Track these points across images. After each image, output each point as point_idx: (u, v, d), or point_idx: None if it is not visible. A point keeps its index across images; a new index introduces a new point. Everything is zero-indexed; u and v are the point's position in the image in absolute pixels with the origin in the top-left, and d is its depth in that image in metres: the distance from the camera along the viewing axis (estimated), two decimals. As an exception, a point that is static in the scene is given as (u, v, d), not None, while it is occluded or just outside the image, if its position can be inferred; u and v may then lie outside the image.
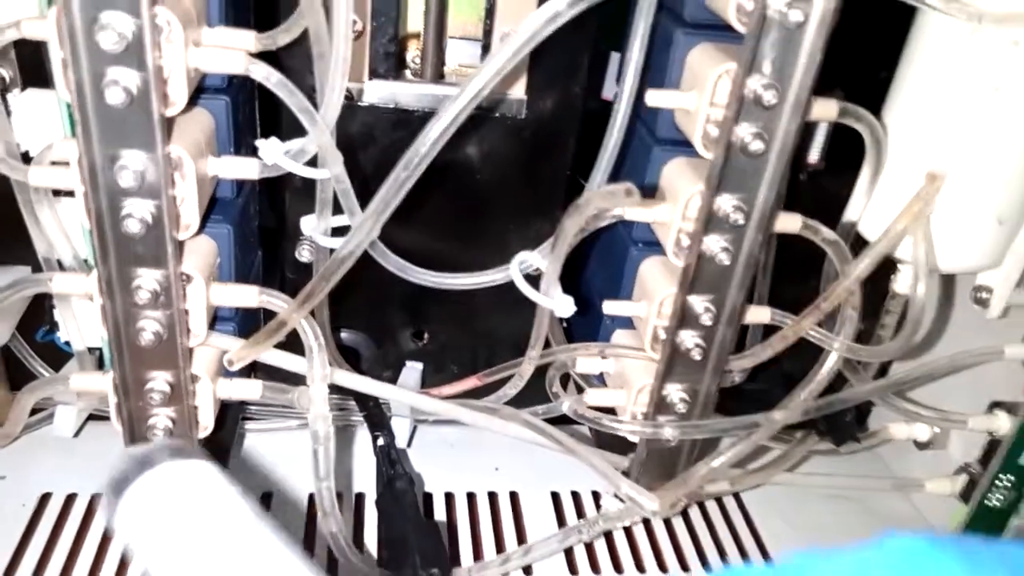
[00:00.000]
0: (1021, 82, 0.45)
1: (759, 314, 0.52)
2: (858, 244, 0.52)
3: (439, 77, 0.55)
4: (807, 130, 0.54)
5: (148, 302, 0.43)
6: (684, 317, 0.48)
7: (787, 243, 0.51)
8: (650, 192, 0.49)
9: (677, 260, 0.47)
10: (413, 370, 0.62)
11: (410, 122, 0.54)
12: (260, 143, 0.44)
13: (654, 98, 0.45)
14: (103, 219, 0.40)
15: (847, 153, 0.51)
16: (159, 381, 0.46)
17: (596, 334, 0.57)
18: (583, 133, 0.56)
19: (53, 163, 0.44)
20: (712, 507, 0.63)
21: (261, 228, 0.56)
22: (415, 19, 0.54)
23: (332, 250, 0.47)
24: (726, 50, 0.44)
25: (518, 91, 0.54)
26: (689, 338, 0.49)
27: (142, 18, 0.36)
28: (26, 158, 0.46)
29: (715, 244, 0.46)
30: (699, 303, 0.48)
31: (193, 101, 0.44)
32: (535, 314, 0.52)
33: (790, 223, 0.48)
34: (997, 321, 0.56)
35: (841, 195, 0.53)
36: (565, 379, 0.58)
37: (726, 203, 0.44)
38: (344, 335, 0.61)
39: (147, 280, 0.42)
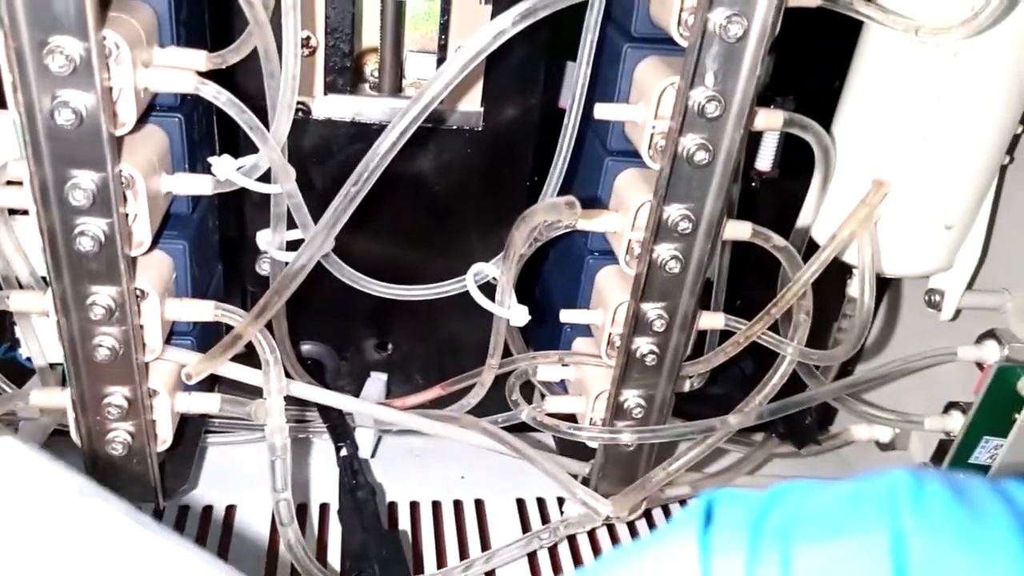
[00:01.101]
0: (962, 92, 0.46)
1: (713, 320, 0.53)
2: (812, 249, 0.53)
3: (397, 90, 0.55)
4: (757, 139, 0.55)
5: (103, 318, 0.43)
6: (638, 324, 0.49)
7: (753, 249, 0.52)
8: (603, 205, 0.50)
9: (629, 269, 0.48)
10: (377, 380, 0.63)
11: (370, 135, 0.54)
12: (213, 160, 0.44)
13: (603, 111, 0.46)
14: (56, 237, 0.41)
15: (801, 160, 0.52)
16: (116, 396, 0.46)
17: (557, 342, 0.58)
18: (542, 140, 0.57)
19: (8, 183, 0.44)
20: (676, 510, 0.64)
21: (223, 241, 0.57)
22: (371, 33, 0.55)
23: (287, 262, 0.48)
24: (671, 63, 0.45)
25: (474, 104, 0.55)
26: (644, 344, 0.50)
27: (90, 41, 0.36)
28: (-18, 177, 0.46)
29: (665, 252, 0.47)
30: (652, 310, 0.49)
31: (146, 119, 0.45)
32: (494, 323, 0.52)
33: (740, 231, 0.49)
34: (950, 323, 0.57)
35: (795, 201, 0.54)
36: (529, 386, 0.58)
37: (674, 212, 0.45)
38: (306, 347, 0.61)
39: (101, 297, 0.43)
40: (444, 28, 0.53)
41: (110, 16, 0.39)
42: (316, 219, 0.46)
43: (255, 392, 0.50)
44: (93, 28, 0.36)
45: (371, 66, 0.56)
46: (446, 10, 0.52)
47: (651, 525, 0.62)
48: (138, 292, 0.44)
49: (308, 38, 0.51)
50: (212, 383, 0.55)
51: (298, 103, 0.45)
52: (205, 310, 0.47)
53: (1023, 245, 0.55)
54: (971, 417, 0.52)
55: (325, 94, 0.53)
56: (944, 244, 0.52)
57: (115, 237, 0.41)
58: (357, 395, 0.62)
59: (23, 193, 0.42)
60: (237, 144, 0.53)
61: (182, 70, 0.42)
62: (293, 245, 0.49)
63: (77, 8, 0.36)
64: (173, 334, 0.49)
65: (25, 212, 0.46)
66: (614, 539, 0.60)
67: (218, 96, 0.41)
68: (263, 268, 0.56)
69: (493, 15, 0.51)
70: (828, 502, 0.23)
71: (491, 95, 0.54)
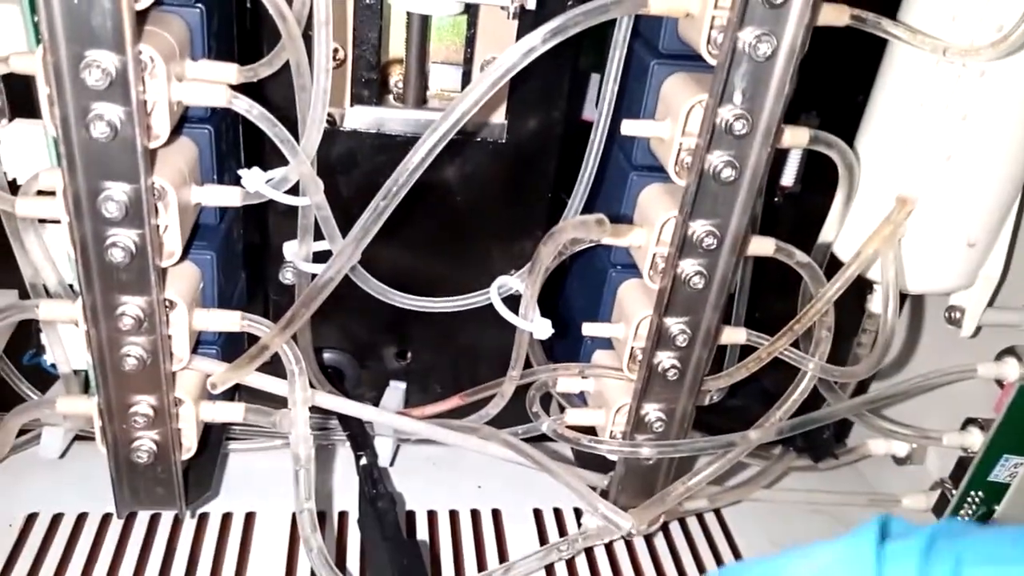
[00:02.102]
0: (988, 111, 0.46)
1: (735, 335, 0.53)
2: (834, 265, 0.53)
3: (421, 102, 0.56)
4: (781, 155, 0.55)
5: (132, 328, 0.44)
6: (660, 338, 0.49)
7: (770, 261, 0.52)
8: (627, 219, 0.50)
9: (653, 283, 0.48)
10: (396, 389, 0.63)
11: (393, 146, 0.55)
12: (243, 172, 0.44)
13: (629, 127, 0.46)
14: (88, 248, 0.41)
15: (823, 175, 0.52)
16: (143, 405, 0.47)
17: (577, 354, 0.58)
18: (565, 152, 0.57)
19: (39, 192, 0.44)
20: (693, 523, 0.64)
21: (246, 248, 0.57)
22: (397, 45, 0.55)
23: (314, 274, 0.48)
24: (699, 80, 0.45)
25: (499, 116, 0.55)
26: (666, 359, 0.50)
27: (126, 55, 0.37)
28: (13, 186, 0.47)
29: (689, 268, 0.47)
30: (675, 325, 0.49)
31: (177, 131, 0.45)
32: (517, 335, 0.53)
33: (764, 246, 0.49)
34: (971, 340, 0.57)
35: (817, 216, 0.54)
36: (548, 398, 0.59)
37: (699, 228, 0.45)
38: (328, 355, 0.62)
39: (131, 307, 0.43)
40: (470, 41, 0.53)
41: (145, 30, 0.39)
42: (341, 229, 0.47)
43: (275, 400, 0.50)
44: (130, 43, 0.37)
45: (395, 77, 0.56)
46: (472, 23, 0.52)
47: (668, 538, 0.62)
48: (167, 302, 0.44)
49: (336, 50, 0.51)
50: (233, 391, 0.55)
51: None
52: (232, 320, 0.47)
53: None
54: (991, 435, 0.52)
55: (351, 105, 0.53)
56: (966, 262, 0.52)
57: (146, 248, 0.41)
58: (376, 403, 0.62)
59: (54, 203, 0.42)
60: (261, 153, 0.53)
61: (215, 84, 0.42)
62: (319, 256, 0.50)
63: (114, 23, 0.36)
64: (199, 343, 0.49)
65: (55, 220, 0.46)
66: (631, 551, 0.60)
67: (251, 110, 0.42)
68: (286, 277, 0.57)
69: (519, 29, 0.51)
70: (996, 537, 0.25)
71: (515, 107, 0.55)
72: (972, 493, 0.54)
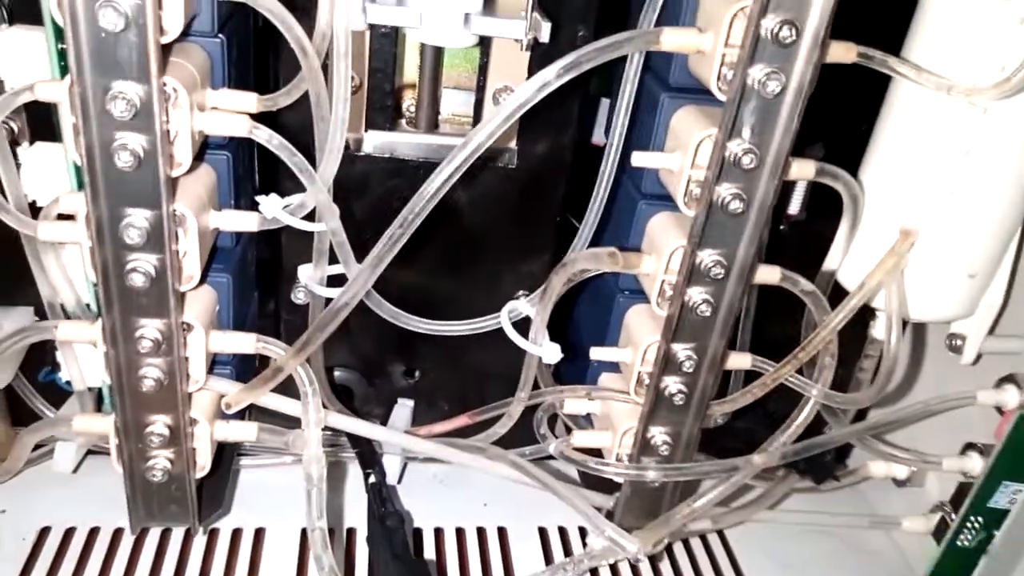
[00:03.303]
0: (991, 147, 0.47)
1: (740, 360, 0.54)
2: (837, 292, 0.54)
3: (433, 127, 0.57)
4: (787, 185, 0.56)
5: (150, 350, 0.44)
6: (667, 364, 0.50)
7: (773, 286, 0.53)
8: (635, 246, 0.51)
9: (661, 310, 0.49)
10: (404, 407, 0.64)
11: (405, 170, 0.56)
12: (261, 199, 0.45)
13: (640, 159, 0.47)
14: (109, 273, 0.42)
15: (827, 204, 0.53)
16: (159, 424, 0.48)
17: (584, 376, 0.59)
18: (573, 176, 0.58)
19: (59, 215, 0.45)
20: (696, 544, 0.65)
21: (258, 267, 0.58)
22: (410, 70, 0.56)
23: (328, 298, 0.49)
24: (708, 113, 0.46)
25: (510, 141, 0.56)
26: (672, 384, 0.51)
27: (151, 86, 0.38)
28: (33, 208, 0.48)
29: (697, 296, 0.48)
30: (682, 351, 0.50)
31: (197, 157, 0.46)
32: (524, 353, 0.53)
33: (769, 275, 0.50)
34: (971, 367, 0.58)
35: (822, 244, 0.55)
36: (553, 418, 0.60)
37: (707, 257, 0.46)
38: (337, 374, 0.63)
39: (150, 330, 0.44)
40: (483, 69, 0.54)
41: (169, 61, 0.40)
42: (353, 251, 0.48)
43: (285, 417, 0.51)
44: (155, 75, 0.37)
45: (407, 101, 0.57)
46: (485, 53, 0.53)
47: (672, 559, 0.63)
48: (184, 325, 0.45)
49: (352, 77, 0.52)
50: (245, 410, 0.56)
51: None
52: (247, 343, 0.48)
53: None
54: (991, 462, 0.53)
55: (365, 131, 0.54)
56: (967, 292, 0.53)
57: (166, 273, 0.42)
58: (384, 420, 0.63)
59: (75, 227, 0.43)
60: (275, 176, 0.54)
61: (235, 114, 0.43)
62: (332, 279, 0.51)
63: (140, 56, 0.37)
64: (214, 363, 0.50)
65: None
66: (635, 571, 0.61)
67: (271, 140, 0.43)
68: (298, 297, 0.58)
69: (531, 58, 0.52)
70: None
71: (526, 133, 0.56)
72: (972, 519, 0.55)
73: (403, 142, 0.56)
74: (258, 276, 0.58)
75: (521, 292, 0.60)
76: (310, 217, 0.47)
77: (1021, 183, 0.49)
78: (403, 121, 0.57)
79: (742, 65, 0.41)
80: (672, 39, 0.43)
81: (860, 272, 0.52)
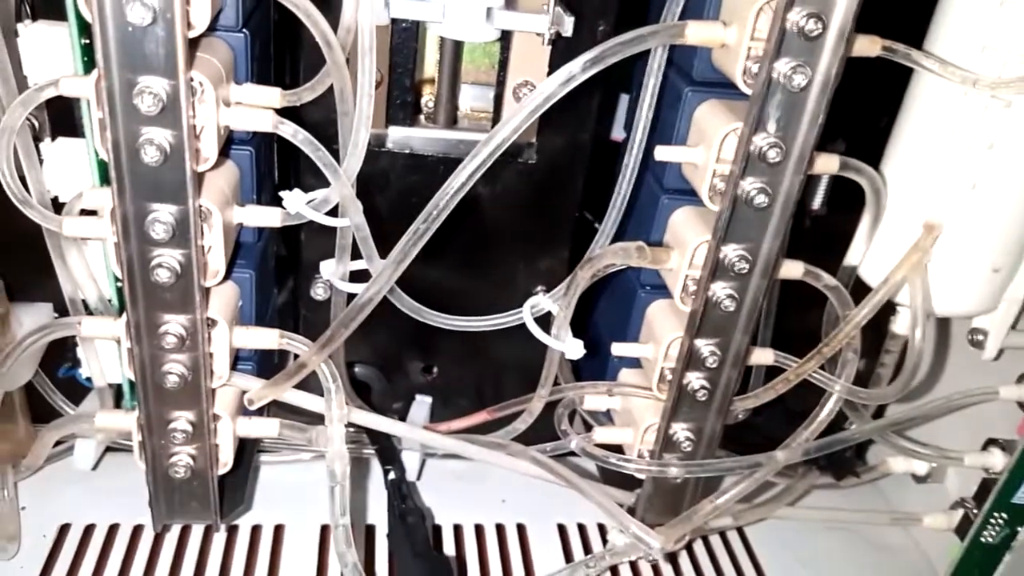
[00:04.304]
0: (1014, 140, 0.47)
1: (763, 356, 0.53)
2: (859, 286, 0.54)
3: (452, 123, 0.57)
4: (810, 180, 0.56)
5: (175, 346, 0.44)
6: (691, 360, 0.50)
7: (793, 280, 0.53)
8: (657, 242, 0.51)
9: (684, 305, 0.49)
10: (422, 404, 0.64)
11: (424, 166, 0.55)
12: (284, 194, 0.45)
13: (663, 153, 0.47)
14: (134, 268, 0.42)
15: (848, 199, 0.53)
16: (182, 421, 0.47)
17: (603, 373, 0.59)
18: (592, 171, 0.58)
19: (82, 211, 0.45)
20: (716, 541, 0.65)
21: (278, 263, 0.58)
22: (430, 65, 0.56)
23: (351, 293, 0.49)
24: (732, 107, 0.46)
25: (529, 136, 0.56)
26: (695, 379, 0.51)
27: (178, 81, 0.38)
28: (55, 203, 0.48)
29: (721, 291, 0.47)
30: (705, 346, 0.50)
31: (220, 152, 0.46)
32: (543, 349, 0.53)
33: (793, 270, 0.50)
34: (993, 362, 0.58)
35: (843, 239, 0.55)
36: (573, 414, 0.59)
37: (731, 252, 0.46)
38: (356, 369, 0.63)
39: (174, 325, 0.44)
40: (503, 64, 0.54)
41: (195, 56, 0.40)
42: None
43: (304, 413, 0.51)
44: (182, 70, 0.37)
45: (426, 97, 0.57)
46: (506, 47, 0.53)
47: (692, 556, 0.62)
48: (209, 321, 0.45)
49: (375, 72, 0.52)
50: (266, 406, 0.56)
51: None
52: (271, 338, 0.48)
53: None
54: (1015, 458, 0.53)
55: (386, 126, 0.54)
56: (990, 286, 0.52)
57: (191, 268, 0.42)
58: (403, 417, 0.63)
59: (100, 223, 0.43)
60: (295, 171, 0.54)
61: (260, 109, 0.43)
62: (354, 275, 0.51)
63: (168, 50, 0.37)
64: (236, 360, 0.50)
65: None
66: (655, 568, 0.61)
67: (296, 135, 0.43)
68: (317, 293, 0.58)
69: (552, 54, 0.52)
70: None
71: (545, 128, 0.56)
72: (995, 515, 0.55)
73: (422, 137, 0.56)
74: (278, 274, 0.58)
75: (539, 288, 0.60)
76: (332, 213, 0.47)
77: (1045, 176, 0.49)
78: (421, 117, 0.57)
79: (768, 59, 0.41)
80: (697, 32, 0.43)
81: (882, 267, 0.52)
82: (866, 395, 0.53)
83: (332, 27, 0.42)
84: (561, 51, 0.50)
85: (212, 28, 0.42)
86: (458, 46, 0.54)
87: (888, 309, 0.55)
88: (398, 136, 0.55)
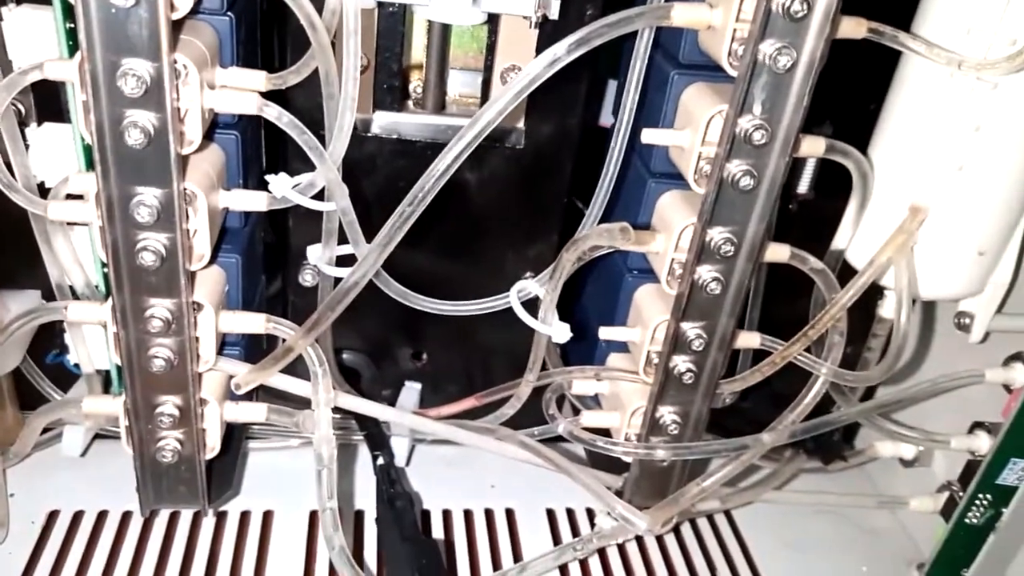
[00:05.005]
0: (1001, 122, 0.47)
1: (749, 339, 0.54)
2: (846, 270, 0.54)
3: (440, 108, 0.57)
4: (796, 163, 0.56)
5: (160, 330, 0.44)
6: (677, 343, 0.50)
7: (781, 264, 0.53)
8: (644, 225, 0.51)
9: (670, 289, 0.49)
10: (412, 390, 0.64)
11: (413, 151, 0.55)
12: (270, 178, 0.45)
13: (650, 136, 0.47)
14: (119, 252, 0.42)
15: (835, 182, 0.53)
16: (169, 405, 0.47)
17: (592, 357, 0.59)
18: (580, 157, 0.58)
19: (68, 196, 0.45)
20: (703, 524, 0.65)
21: (265, 249, 0.58)
22: (417, 51, 0.56)
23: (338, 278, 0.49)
24: (718, 90, 0.46)
25: (517, 122, 0.56)
26: (681, 363, 0.51)
27: (162, 64, 0.37)
28: (41, 189, 0.48)
29: (707, 274, 0.48)
30: (691, 329, 0.50)
31: (206, 136, 0.46)
32: (531, 335, 0.53)
33: (779, 253, 0.50)
34: (979, 345, 0.58)
35: (830, 222, 0.55)
36: (561, 399, 0.60)
37: (717, 235, 0.46)
38: (345, 356, 0.63)
39: (160, 309, 0.44)
40: (491, 49, 0.54)
41: (179, 39, 0.40)
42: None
43: (292, 399, 0.51)
44: (166, 52, 0.37)
45: (414, 82, 0.57)
46: (493, 31, 0.53)
47: (680, 539, 0.63)
48: (195, 305, 0.45)
49: (361, 57, 0.52)
50: (253, 391, 0.56)
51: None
52: (257, 323, 0.48)
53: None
54: (999, 440, 0.53)
55: (373, 111, 0.54)
56: (976, 269, 0.53)
57: (176, 252, 0.42)
58: (392, 403, 0.63)
59: (85, 207, 0.43)
60: (283, 156, 0.54)
61: (244, 92, 0.43)
62: (341, 259, 0.51)
63: (151, 32, 0.37)
64: (223, 345, 0.50)
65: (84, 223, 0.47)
66: (643, 551, 0.61)
67: (280, 117, 0.43)
68: (306, 279, 0.58)
69: (539, 37, 0.52)
70: None
71: (533, 114, 0.55)
72: (980, 496, 0.55)
73: (410, 123, 0.55)
74: (264, 258, 0.58)
75: (528, 273, 0.60)
76: (319, 197, 0.47)
77: (1030, 159, 0.49)
78: (410, 102, 0.57)
79: (753, 40, 0.41)
80: (683, 14, 0.43)
81: (869, 250, 0.52)
82: (852, 377, 0.54)
83: (318, 9, 0.42)
84: (549, 35, 0.50)
85: (197, 11, 0.42)
86: (446, 31, 0.54)
87: (876, 293, 0.55)
88: (386, 121, 0.55)
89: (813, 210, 0.58)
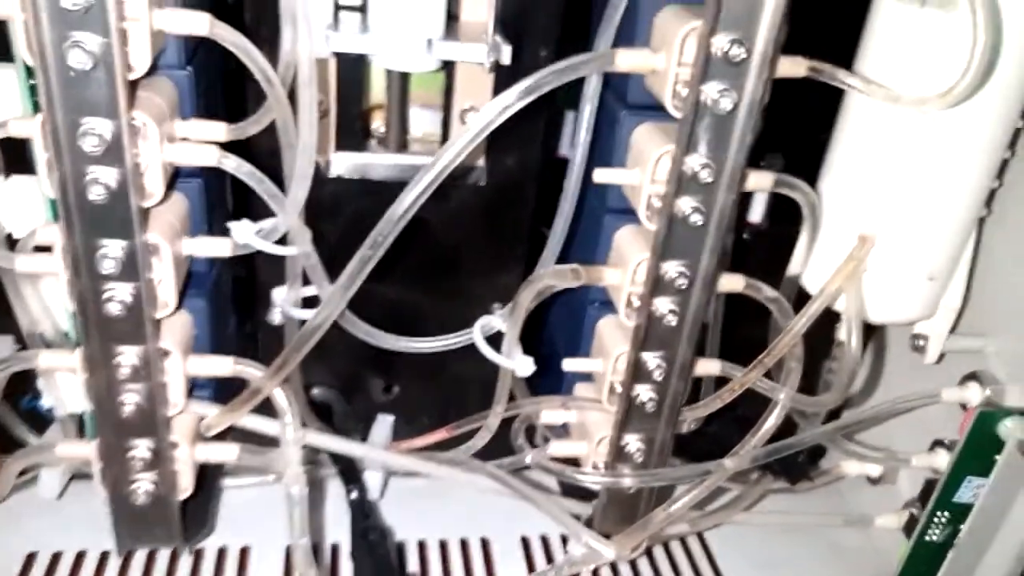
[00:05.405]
0: (942, 153, 0.48)
1: (709, 366, 0.55)
2: (803, 296, 0.55)
3: (403, 147, 0.58)
4: (749, 194, 0.57)
5: (129, 376, 0.45)
6: (637, 372, 0.51)
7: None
8: (603, 259, 0.53)
9: (629, 321, 0.50)
10: (384, 423, 0.65)
11: (377, 191, 0.57)
12: (232, 224, 0.46)
13: (601, 176, 0.48)
14: (86, 302, 0.43)
15: (790, 211, 0.54)
16: (141, 448, 0.48)
17: (561, 387, 0.60)
18: (543, 187, 0.59)
19: (36, 247, 0.46)
20: (676, 547, 0.66)
21: (235, 287, 0.59)
22: (379, 91, 0.57)
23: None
24: (666, 130, 0.47)
25: (478, 159, 0.57)
26: (643, 391, 0.52)
27: (120, 121, 0.39)
28: (10, 240, 0.49)
29: (663, 306, 0.49)
30: (651, 359, 0.51)
31: (169, 185, 0.47)
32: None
33: (734, 283, 0.52)
34: (938, 366, 0.60)
35: (787, 249, 0.56)
36: (531, 429, 0.61)
37: (671, 268, 0.48)
38: (316, 391, 0.64)
39: (128, 356, 0.45)
40: (448, 90, 0.55)
41: (137, 95, 0.41)
42: (327, 271, 0.49)
43: (267, 438, 0.52)
44: (124, 110, 0.39)
45: (376, 122, 0.59)
46: (450, 75, 0.54)
47: (652, 562, 0.64)
48: (162, 351, 0.46)
49: (320, 102, 0.53)
50: (227, 430, 0.57)
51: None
52: (225, 366, 0.49)
53: (1002, 292, 0.58)
54: (955, 459, 0.54)
55: (336, 151, 0.56)
56: (927, 293, 0.54)
57: (141, 301, 0.43)
58: (364, 435, 0.64)
59: (52, 259, 0.44)
60: (248, 200, 0.55)
61: (204, 145, 0.44)
62: (307, 299, 0.52)
63: (109, 92, 0.38)
64: (194, 386, 0.51)
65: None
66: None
67: (239, 168, 0.44)
68: (275, 319, 0.58)
69: (496, 79, 0.54)
70: None
71: (493, 150, 0.57)
72: (939, 514, 0.56)
73: (374, 163, 0.57)
74: (235, 298, 0.59)
75: (496, 304, 0.61)
76: (282, 242, 0.48)
77: (973, 187, 0.50)
78: (373, 142, 0.58)
79: (695, 83, 0.42)
80: (626, 60, 0.45)
81: (822, 277, 0.53)
82: (808, 402, 0.55)
83: (275, 62, 0.43)
84: (505, 76, 0.51)
85: (155, 67, 0.43)
86: (405, 74, 0.55)
87: (837, 317, 0.57)
88: (349, 162, 0.56)
89: (769, 238, 0.60)
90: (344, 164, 0.56)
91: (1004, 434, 0.53)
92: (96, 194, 0.40)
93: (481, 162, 0.57)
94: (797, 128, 0.57)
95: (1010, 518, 0.53)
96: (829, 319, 0.57)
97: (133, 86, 0.40)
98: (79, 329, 0.44)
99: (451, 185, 0.57)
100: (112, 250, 0.42)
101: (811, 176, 0.54)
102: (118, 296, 0.43)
